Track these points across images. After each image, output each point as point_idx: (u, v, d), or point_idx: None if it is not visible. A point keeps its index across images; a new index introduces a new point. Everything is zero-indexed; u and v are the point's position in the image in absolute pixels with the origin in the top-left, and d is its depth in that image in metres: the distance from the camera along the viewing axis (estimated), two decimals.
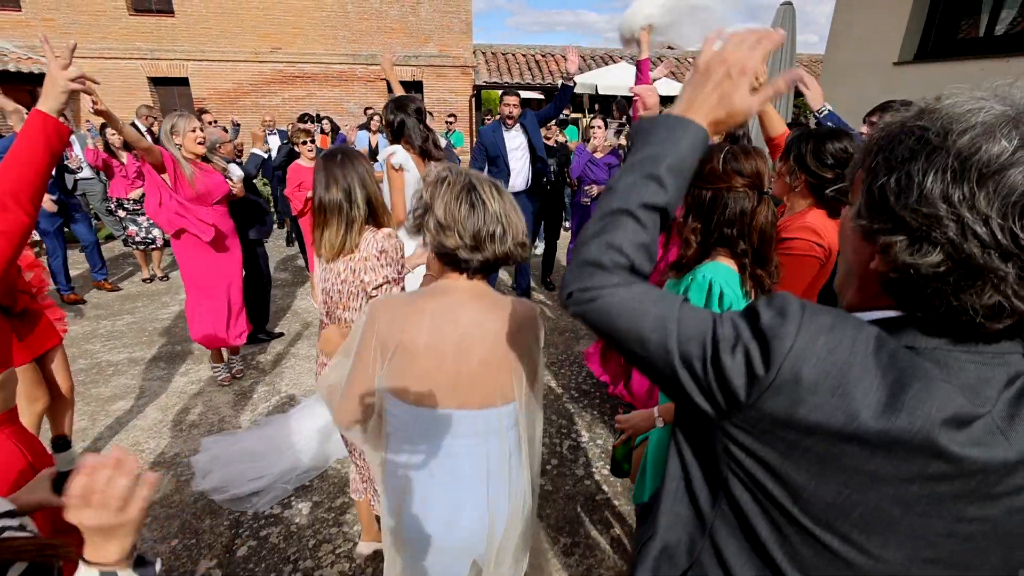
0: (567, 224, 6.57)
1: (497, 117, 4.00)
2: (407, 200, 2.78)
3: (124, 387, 3.57)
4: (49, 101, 1.30)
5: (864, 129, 2.62)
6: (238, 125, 6.52)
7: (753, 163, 1.41)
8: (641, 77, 2.66)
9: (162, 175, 2.96)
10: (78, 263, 5.74)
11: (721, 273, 1.35)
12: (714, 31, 0.76)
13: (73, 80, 1.33)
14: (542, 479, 2.74)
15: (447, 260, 1.20)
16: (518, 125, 4.04)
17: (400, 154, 2.78)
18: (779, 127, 2.31)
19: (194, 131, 3.00)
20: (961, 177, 0.53)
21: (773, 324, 0.60)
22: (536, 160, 4.16)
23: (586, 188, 3.80)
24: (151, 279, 5.66)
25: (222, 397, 3.46)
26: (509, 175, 4.04)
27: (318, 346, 1.91)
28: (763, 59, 0.72)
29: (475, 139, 12.85)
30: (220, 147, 3.42)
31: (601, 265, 0.70)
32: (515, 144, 4.05)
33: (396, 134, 2.80)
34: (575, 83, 3.86)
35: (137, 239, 5.49)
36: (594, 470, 2.82)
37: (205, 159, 3.19)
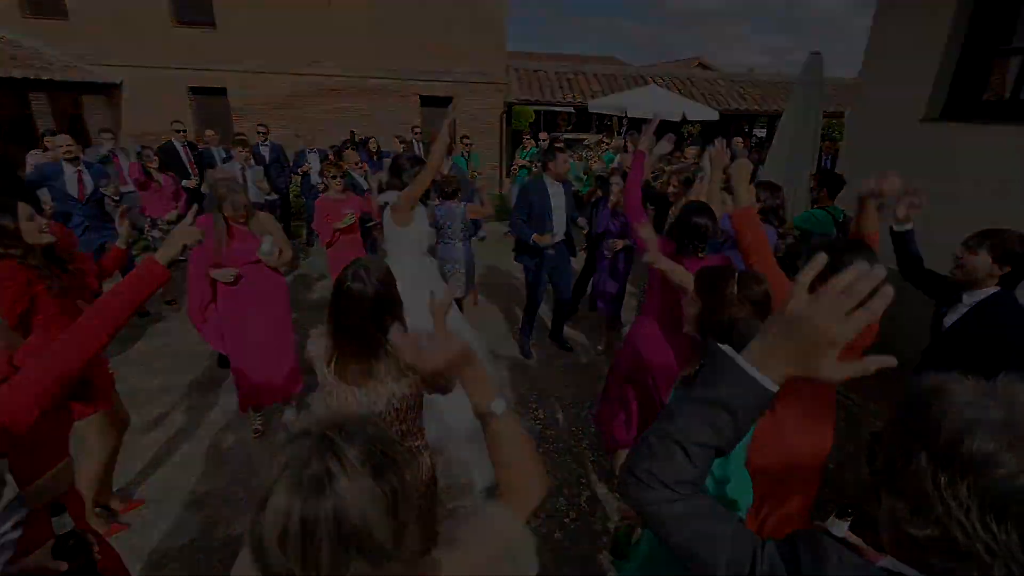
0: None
1: (532, 161, 4.09)
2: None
3: (157, 417, 3.69)
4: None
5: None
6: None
7: (763, 287, 1.52)
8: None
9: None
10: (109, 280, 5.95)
11: None
12: None
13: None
14: (559, 534, 2.80)
15: None
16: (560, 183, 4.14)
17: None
18: (873, 224, 2.25)
19: (235, 209, 3.10)
20: (947, 464, 0.60)
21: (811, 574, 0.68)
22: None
23: (609, 243, 3.86)
24: (172, 301, 5.57)
25: (250, 431, 3.59)
26: (554, 231, 4.10)
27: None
28: (856, 332, 0.68)
29: (510, 154, 12.94)
30: None
31: (650, 487, 0.77)
32: (558, 203, 4.12)
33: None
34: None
35: None
36: (611, 525, 2.81)
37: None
